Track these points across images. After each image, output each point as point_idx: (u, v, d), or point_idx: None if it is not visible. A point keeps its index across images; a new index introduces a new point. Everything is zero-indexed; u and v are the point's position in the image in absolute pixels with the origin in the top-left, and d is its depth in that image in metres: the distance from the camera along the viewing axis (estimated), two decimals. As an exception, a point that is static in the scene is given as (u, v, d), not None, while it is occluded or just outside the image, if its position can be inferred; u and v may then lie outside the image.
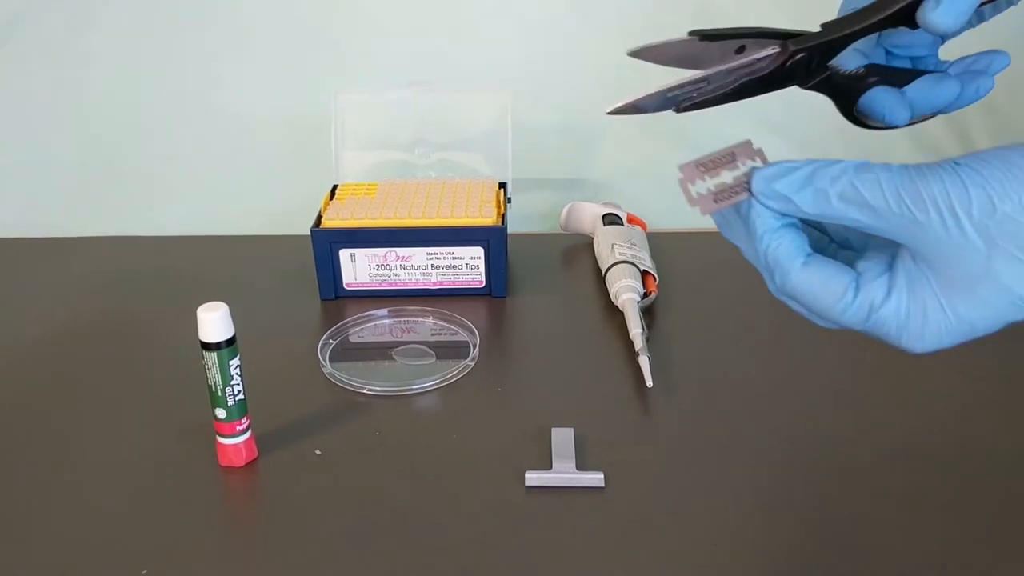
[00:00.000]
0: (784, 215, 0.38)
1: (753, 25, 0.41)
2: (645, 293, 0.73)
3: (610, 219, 0.82)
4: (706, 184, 0.39)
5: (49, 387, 0.66)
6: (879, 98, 0.43)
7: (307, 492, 0.55)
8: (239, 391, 0.55)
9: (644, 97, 0.41)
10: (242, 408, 0.56)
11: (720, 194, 0.39)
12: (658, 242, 0.81)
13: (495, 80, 0.84)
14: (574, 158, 0.95)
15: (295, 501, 0.55)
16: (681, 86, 0.41)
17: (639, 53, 0.40)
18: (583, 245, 0.85)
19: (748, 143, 0.39)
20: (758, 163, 0.39)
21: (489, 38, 0.90)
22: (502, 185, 0.82)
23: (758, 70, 0.41)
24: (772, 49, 0.40)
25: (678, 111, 0.41)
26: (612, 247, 0.76)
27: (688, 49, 0.40)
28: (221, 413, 0.56)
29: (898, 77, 0.43)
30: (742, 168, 0.38)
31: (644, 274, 0.75)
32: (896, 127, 0.43)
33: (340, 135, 0.84)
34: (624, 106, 0.41)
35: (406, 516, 0.53)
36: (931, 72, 0.43)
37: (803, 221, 0.39)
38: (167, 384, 0.65)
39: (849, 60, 0.43)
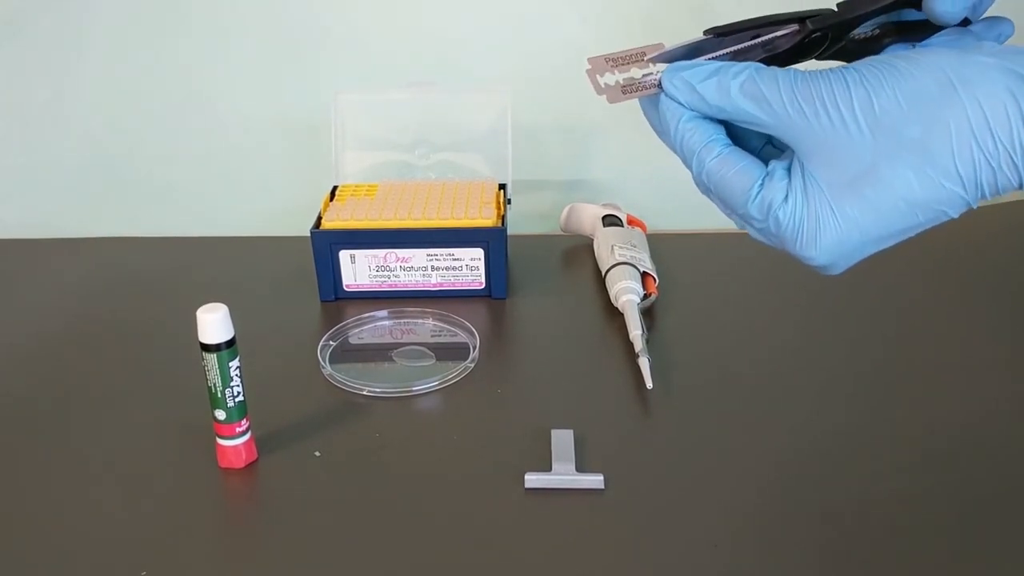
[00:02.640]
0: (691, 110, 0.40)
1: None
2: (645, 294, 0.73)
3: (610, 220, 0.82)
4: (615, 77, 0.40)
5: (49, 387, 0.66)
6: None
7: (307, 494, 0.55)
8: (239, 392, 0.55)
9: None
10: (242, 410, 0.56)
11: (628, 87, 0.40)
12: (658, 243, 0.81)
13: (495, 80, 0.84)
14: (574, 159, 0.95)
15: (295, 503, 0.55)
16: None
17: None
18: (583, 246, 0.85)
19: (660, 45, 0.41)
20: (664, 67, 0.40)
21: (489, 38, 0.90)
22: (502, 186, 0.82)
23: (776, 47, 0.42)
24: (790, 27, 0.41)
25: None
26: (612, 248, 0.76)
27: (705, 45, 0.41)
28: (221, 415, 0.56)
29: (914, 30, 0.43)
30: (651, 68, 0.40)
31: (644, 275, 0.75)
32: None
33: (340, 135, 0.84)
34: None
35: (406, 517, 0.53)
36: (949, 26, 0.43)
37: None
38: (167, 385, 0.65)
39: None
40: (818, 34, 0.41)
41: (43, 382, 0.67)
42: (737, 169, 0.40)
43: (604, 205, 0.85)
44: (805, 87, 0.37)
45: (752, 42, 0.41)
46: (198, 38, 0.89)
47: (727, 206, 0.41)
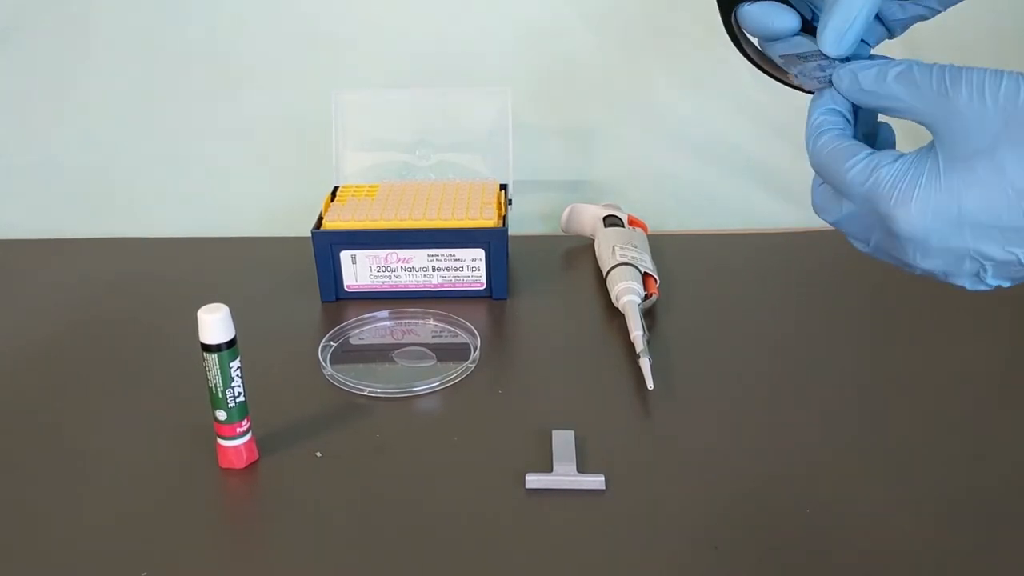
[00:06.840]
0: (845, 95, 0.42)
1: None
2: (646, 295, 0.73)
3: (611, 221, 0.82)
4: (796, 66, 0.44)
5: (50, 388, 0.66)
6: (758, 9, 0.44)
7: (308, 494, 0.55)
8: (240, 393, 0.55)
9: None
10: (243, 410, 0.56)
11: (802, 69, 0.43)
12: (659, 244, 0.81)
13: (495, 80, 0.84)
14: (575, 159, 0.94)
15: (295, 503, 0.55)
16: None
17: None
18: (584, 247, 0.85)
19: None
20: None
21: (489, 38, 0.90)
22: (503, 187, 0.82)
23: None
24: None
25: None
26: (613, 249, 0.76)
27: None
28: (221, 415, 0.56)
29: None
30: (826, 67, 0.43)
31: (645, 276, 0.74)
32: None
33: (340, 136, 0.84)
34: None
35: (406, 518, 0.53)
36: None
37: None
38: (168, 386, 0.65)
39: None
40: None
41: (43, 382, 0.67)
42: (846, 145, 0.41)
43: (605, 205, 0.85)
44: (956, 72, 0.38)
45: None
46: (198, 38, 0.89)
47: (832, 174, 0.41)
